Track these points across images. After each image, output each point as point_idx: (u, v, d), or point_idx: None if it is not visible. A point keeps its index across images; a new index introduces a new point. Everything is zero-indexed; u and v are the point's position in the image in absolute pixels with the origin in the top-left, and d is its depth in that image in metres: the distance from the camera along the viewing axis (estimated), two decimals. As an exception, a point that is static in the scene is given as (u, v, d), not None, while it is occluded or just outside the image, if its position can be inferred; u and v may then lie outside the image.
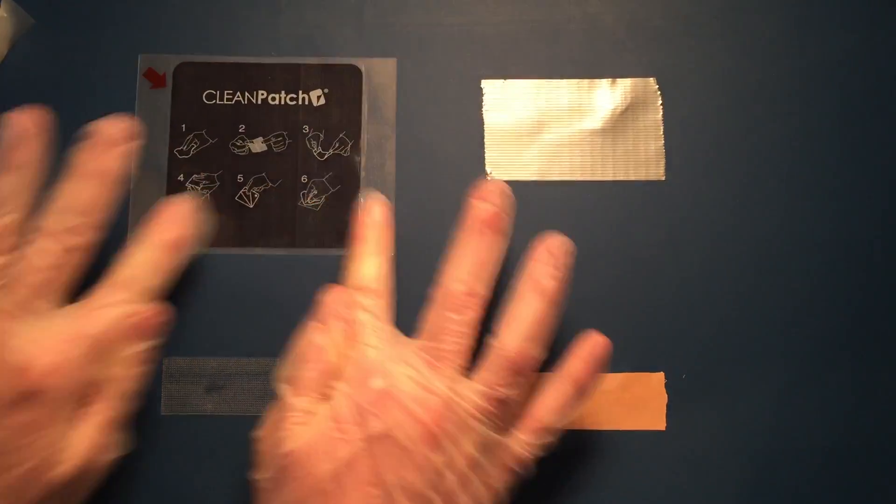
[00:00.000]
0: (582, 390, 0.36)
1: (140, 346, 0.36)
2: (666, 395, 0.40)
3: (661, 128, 0.43)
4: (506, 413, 0.35)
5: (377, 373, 0.34)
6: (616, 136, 0.43)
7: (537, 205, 0.41)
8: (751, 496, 0.40)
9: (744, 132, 0.43)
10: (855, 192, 0.42)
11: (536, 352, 0.35)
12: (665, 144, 0.42)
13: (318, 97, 0.43)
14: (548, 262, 0.36)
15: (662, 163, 0.42)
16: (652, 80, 0.43)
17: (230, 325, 0.41)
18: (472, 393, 0.35)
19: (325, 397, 0.35)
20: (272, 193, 0.42)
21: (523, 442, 0.35)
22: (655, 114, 0.43)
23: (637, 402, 0.40)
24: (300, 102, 0.42)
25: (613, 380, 0.40)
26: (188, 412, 0.40)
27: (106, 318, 0.35)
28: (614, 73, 0.43)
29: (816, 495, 0.40)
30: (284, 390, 0.35)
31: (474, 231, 0.37)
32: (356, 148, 0.42)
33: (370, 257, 0.38)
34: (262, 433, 0.36)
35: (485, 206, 0.37)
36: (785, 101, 0.43)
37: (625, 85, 0.43)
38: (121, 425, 0.36)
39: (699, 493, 0.40)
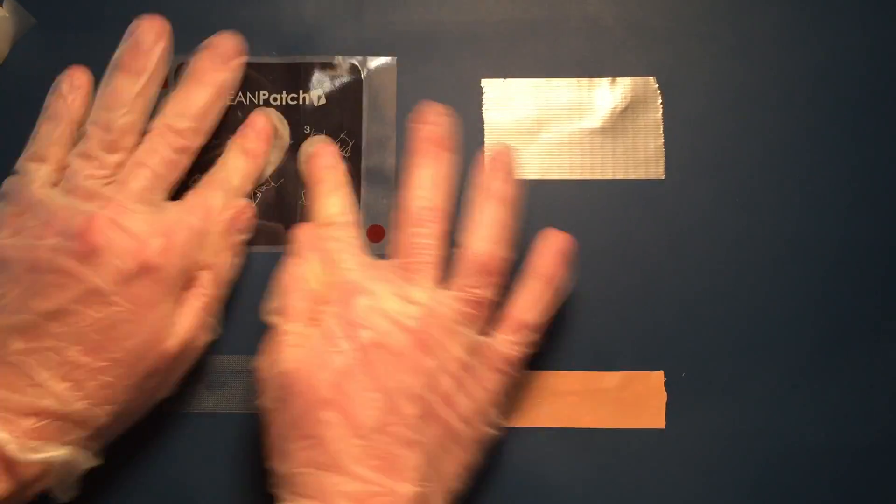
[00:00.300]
0: (552, 283, 0.38)
1: (234, 238, 0.40)
2: (665, 394, 0.40)
3: (661, 127, 0.43)
4: (485, 315, 0.37)
5: (360, 291, 0.36)
6: (616, 135, 0.43)
7: (537, 204, 0.41)
8: (750, 495, 0.40)
9: (743, 131, 0.43)
10: (856, 191, 0.42)
11: (503, 252, 0.37)
12: (665, 143, 0.42)
13: (319, 97, 0.43)
14: (497, 169, 0.38)
15: (662, 162, 0.42)
16: (652, 79, 0.43)
17: (231, 324, 0.41)
18: (451, 299, 0.36)
19: (315, 322, 0.36)
20: (273, 193, 0.42)
21: (507, 341, 0.37)
22: (655, 113, 0.43)
23: (636, 401, 0.40)
24: (301, 102, 0.43)
25: (613, 378, 0.40)
26: (189, 410, 0.40)
27: (206, 210, 0.39)
28: (614, 72, 0.43)
29: (816, 495, 0.40)
30: (276, 320, 0.37)
31: (423, 151, 0.39)
32: (357, 147, 0.42)
33: (331, 194, 0.40)
34: (260, 361, 0.37)
35: (429, 127, 0.39)
36: (784, 100, 0.43)
37: (624, 84, 0.43)
38: (217, 311, 0.39)
39: (699, 491, 0.40)
